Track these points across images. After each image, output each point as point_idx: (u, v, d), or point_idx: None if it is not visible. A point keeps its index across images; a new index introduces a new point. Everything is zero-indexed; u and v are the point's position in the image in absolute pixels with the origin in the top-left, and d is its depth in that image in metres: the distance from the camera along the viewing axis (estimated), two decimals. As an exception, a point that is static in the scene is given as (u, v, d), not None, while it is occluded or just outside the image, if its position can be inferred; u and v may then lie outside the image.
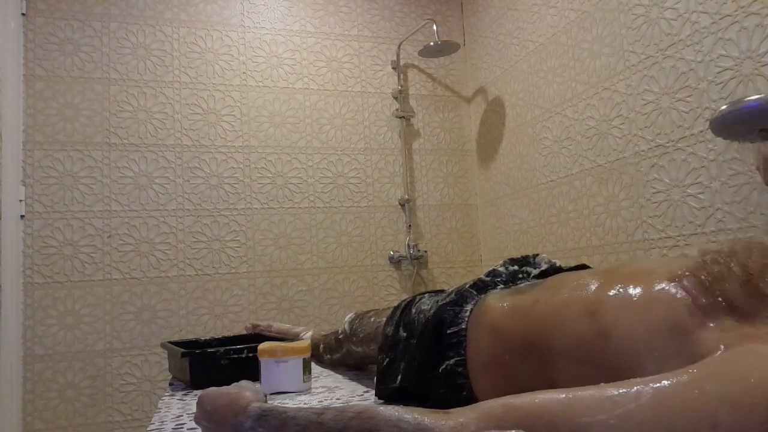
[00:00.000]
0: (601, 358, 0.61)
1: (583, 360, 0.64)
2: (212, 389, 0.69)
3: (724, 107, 0.90)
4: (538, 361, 0.70)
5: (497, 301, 0.81)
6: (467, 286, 0.89)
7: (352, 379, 1.20)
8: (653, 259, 0.73)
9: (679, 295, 0.57)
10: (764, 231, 1.20)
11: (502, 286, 0.87)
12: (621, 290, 0.63)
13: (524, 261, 0.93)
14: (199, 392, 1.09)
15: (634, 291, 0.62)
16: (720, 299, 0.54)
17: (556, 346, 0.68)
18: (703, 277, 0.57)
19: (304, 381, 1.08)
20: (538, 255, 0.94)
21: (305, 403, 0.97)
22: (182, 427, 0.87)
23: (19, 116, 1.97)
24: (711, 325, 0.52)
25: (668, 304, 0.57)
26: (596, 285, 0.67)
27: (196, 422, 0.70)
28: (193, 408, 0.97)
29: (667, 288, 0.59)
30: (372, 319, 1.16)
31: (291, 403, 0.98)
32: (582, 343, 0.64)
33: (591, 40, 1.74)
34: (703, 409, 0.42)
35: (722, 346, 0.48)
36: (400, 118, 2.41)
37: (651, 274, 0.62)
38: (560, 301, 0.70)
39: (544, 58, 1.99)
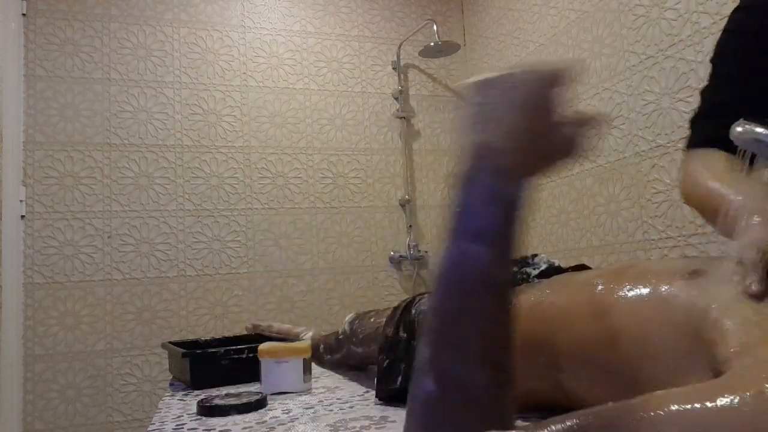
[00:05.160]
0: (609, 362, 0.60)
1: (589, 362, 0.63)
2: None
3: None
4: (542, 362, 0.70)
5: (497, 301, 0.80)
6: (467, 286, 0.88)
7: (352, 380, 1.20)
8: (660, 260, 0.72)
9: (694, 296, 0.54)
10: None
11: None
12: (630, 292, 0.61)
13: (523, 261, 0.92)
14: (199, 392, 1.09)
15: (644, 292, 0.59)
16: (739, 297, 0.50)
17: (561, 347, 0.67)
18: (718, 274, 0.54)
19: (304, 381, 1.08)
20: (537, 255, 0.93)
21: (306, 403, 0.97)
22: (182, 428, 0.87)
23: (20, 116, 1.97)
24: (729, 324, 0.48)
25: (683, 305, 0.54)
26: (603, 286, 0.65)
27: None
28: (193, 408, 0.97)
29: (680, 288, 0.56)
30: (372, 320, 1.16)
31: (291, 403, 0.98)
32: (589, 346, 0.63)
33: (591, 40, 1.74)
34: None
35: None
36: (400, 118, 2.41)
37: (661, 274, 0.60)
38: (565, 302, 0.69)
39: (544, 59, 1.99)
